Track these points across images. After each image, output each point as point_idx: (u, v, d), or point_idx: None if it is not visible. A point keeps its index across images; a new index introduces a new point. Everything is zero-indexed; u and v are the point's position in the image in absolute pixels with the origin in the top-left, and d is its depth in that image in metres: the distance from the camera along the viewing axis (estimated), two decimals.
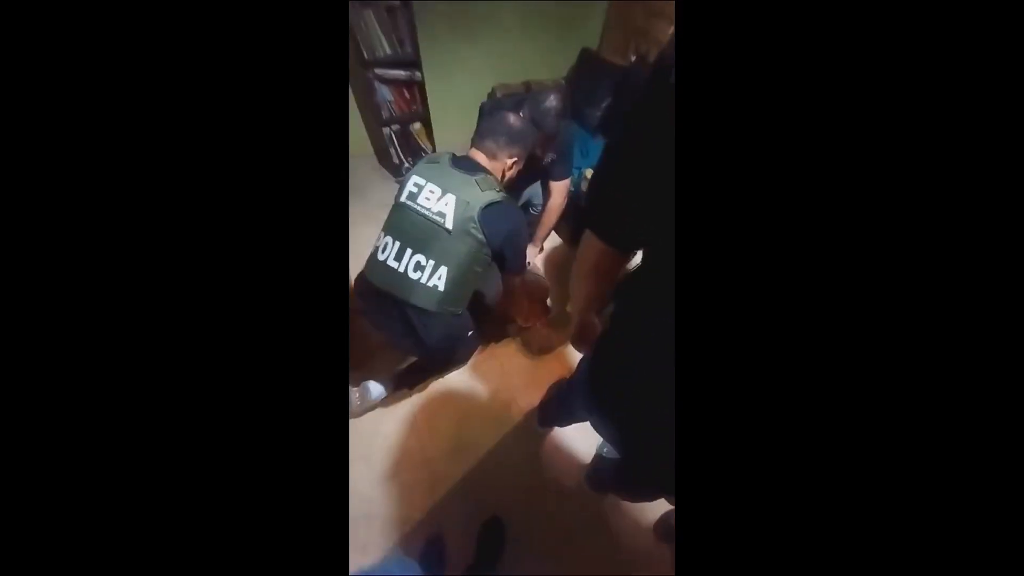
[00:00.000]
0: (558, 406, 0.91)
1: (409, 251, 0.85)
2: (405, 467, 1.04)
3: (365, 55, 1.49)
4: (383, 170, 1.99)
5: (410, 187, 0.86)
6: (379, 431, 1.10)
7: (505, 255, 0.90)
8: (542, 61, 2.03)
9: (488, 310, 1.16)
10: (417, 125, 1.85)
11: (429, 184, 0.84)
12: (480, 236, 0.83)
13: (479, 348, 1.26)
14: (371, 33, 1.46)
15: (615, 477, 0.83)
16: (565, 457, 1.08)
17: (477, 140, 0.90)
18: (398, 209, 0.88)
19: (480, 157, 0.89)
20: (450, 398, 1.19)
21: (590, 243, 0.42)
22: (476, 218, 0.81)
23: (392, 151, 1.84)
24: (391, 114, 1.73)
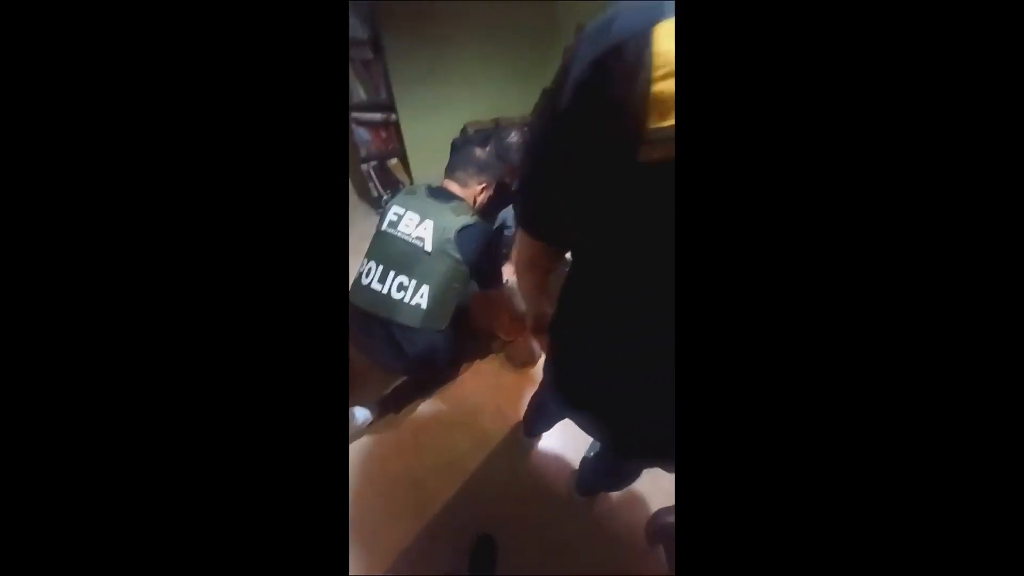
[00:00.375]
0: (536, 410, 0.95)
1: (392, 273, 0.91)
2: (394, 490, 1.04)
3: None
4: (363, 204, 2.08)
5: (391, 216, 0.94)
6: (366, 456, 1.10)
7: (482, 271, 0.98)
8: (510, 100, 2.24)
9: (472, 326, 1.21)
10: (394, 160, 1.98)
11: (408, 212, 0.93)
12: (457, 255, 0.91)
13: (464, 366, 1.30)
14: (349, 83, 1.60)
15: (598, 467, 0.87)
16: (555, 468, 1.10)
17: (449, 172, 1.01)
18: (380, 236, 0.95)
19: (453, 187, 0.99)
20: (436, 417, 1.20)
21: (522, 239, 0.45)
22: (453, 239, 0.90)
23: (371, 185, 1.94)
24: (369, 152, 1.85)
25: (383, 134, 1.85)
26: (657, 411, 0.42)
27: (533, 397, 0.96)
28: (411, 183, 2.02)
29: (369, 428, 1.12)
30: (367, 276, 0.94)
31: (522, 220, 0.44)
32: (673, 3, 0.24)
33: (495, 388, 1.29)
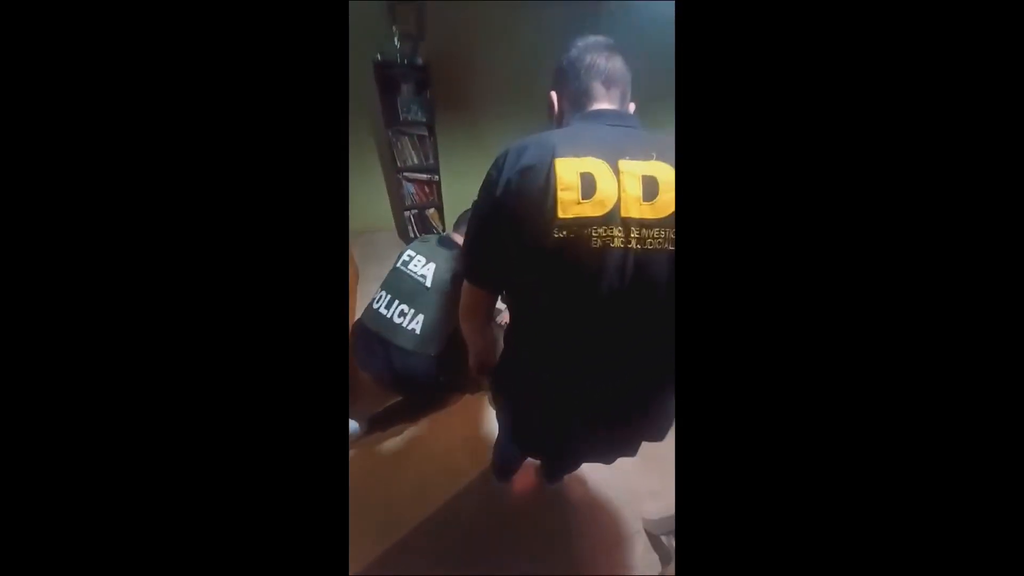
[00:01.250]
0: (499, 452, 1.01)
1: (397, 302, 1.11)
2: (364, 509, 1.08)
3: (398, 164, 2.02)
4: (402, 243, 2.43)
5: (404, 257, 1.17)
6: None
7: None
8: None
9: (462, 358, 1.34)
10: (431, 211, 2.33)
11: (418, 255, 1.15)
12: (450, 292, 1.09)
13: (454, 396, 1.40)
14: (404, 151, 2.01)
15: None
16: (526, 502, 1.10)
17: (456, 227, 1.23)
18: (394, 272, 1.18)
19: (457, 237, 1.21)
20: (418, 443, 1.27)
21: (466, 288, 0.54)
22: (448, 279, 1.09)
23: (410, 228, 2.30)
24: (413, 203, 2.22)
25: (426, 189, 2.23)
26: (595, 438, 0.50)
27: (496, 442, 1.02)
28: (443, 229, 2.34)
29: (357, 442, 1.22)
30: (378, 302, 1.15)
31: (465, 271, 0.53)
32: (566, 143, 0.40)
33: (480, 423, 1.33)
